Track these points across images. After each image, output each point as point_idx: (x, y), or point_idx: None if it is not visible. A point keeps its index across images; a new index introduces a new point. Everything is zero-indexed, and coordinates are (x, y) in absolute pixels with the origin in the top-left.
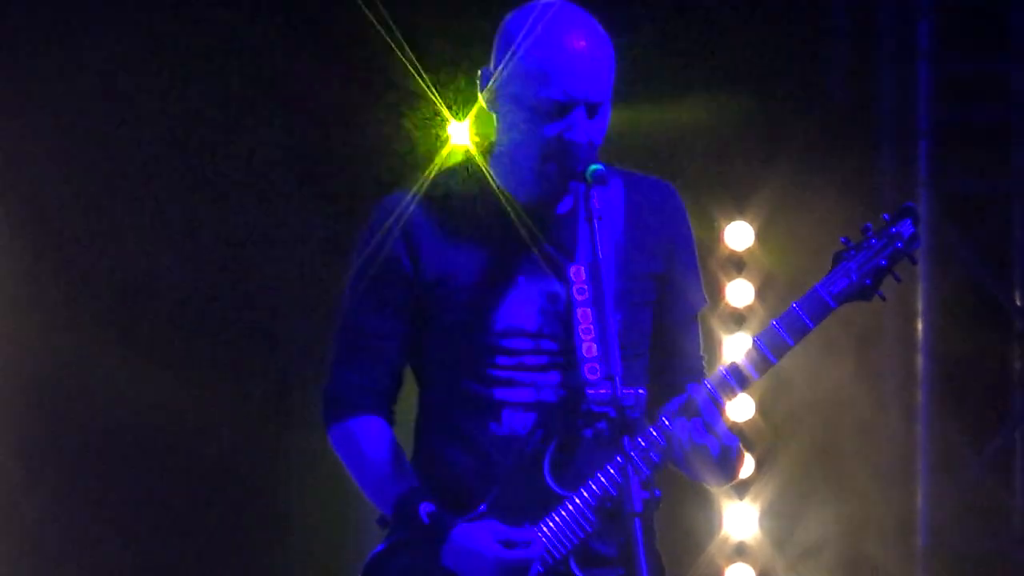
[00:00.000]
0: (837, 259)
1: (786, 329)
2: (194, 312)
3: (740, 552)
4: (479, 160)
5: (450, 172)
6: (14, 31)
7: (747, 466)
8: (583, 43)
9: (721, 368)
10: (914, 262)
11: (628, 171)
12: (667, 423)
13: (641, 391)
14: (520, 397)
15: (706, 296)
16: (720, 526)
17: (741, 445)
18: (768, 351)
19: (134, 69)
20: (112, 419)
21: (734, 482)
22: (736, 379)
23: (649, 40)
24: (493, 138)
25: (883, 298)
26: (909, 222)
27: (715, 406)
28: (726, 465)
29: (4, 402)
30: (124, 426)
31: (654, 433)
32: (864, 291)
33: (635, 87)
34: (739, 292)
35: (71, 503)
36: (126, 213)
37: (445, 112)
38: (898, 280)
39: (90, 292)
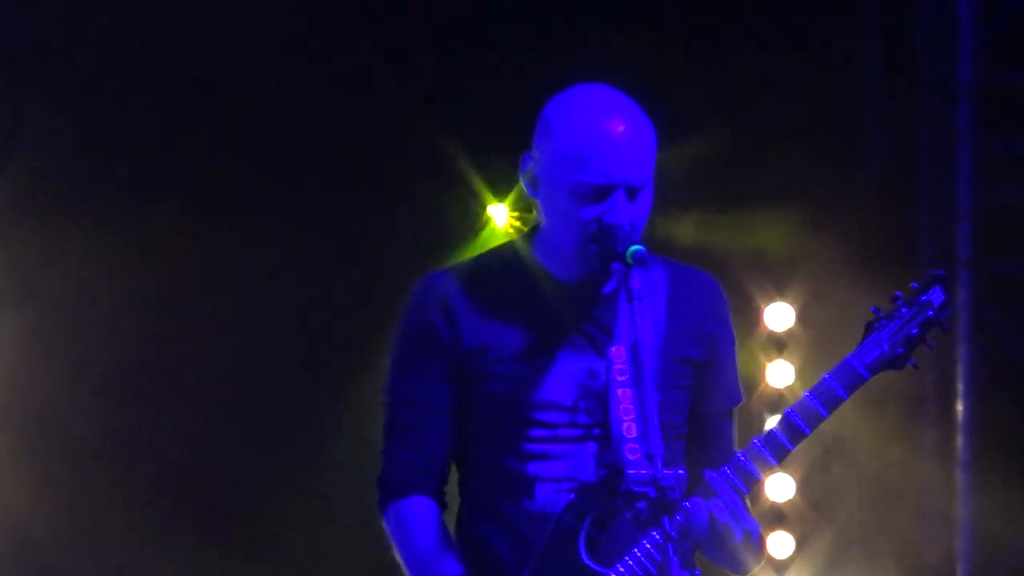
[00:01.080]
0: (868, 329)
1: (819, 400)
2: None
3: None
4: (521, 241)
5: (492, 252)
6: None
7: (787, 546)
8: (622, 127)
9: (755, 439)
10: (946, 329)
11: (673, 261)
12: (688, 505)
13: (681, 472)
14: (554, 472)
15: (742, 393)
16: None
17: (762, 532)
18: (802, 422)
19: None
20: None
21: (755, 569)
22: (770, 450)
23: (691, 126)
24: (535, 219)
25: (915, 366)
26: (939, 289)
27: (733, 488)
28: (749, 549)
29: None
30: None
31: (679, 517)
32: (896, 360)
33: (676, 170)
34: (780, 373)
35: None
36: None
37: (486, 194)
38: (930, 348)
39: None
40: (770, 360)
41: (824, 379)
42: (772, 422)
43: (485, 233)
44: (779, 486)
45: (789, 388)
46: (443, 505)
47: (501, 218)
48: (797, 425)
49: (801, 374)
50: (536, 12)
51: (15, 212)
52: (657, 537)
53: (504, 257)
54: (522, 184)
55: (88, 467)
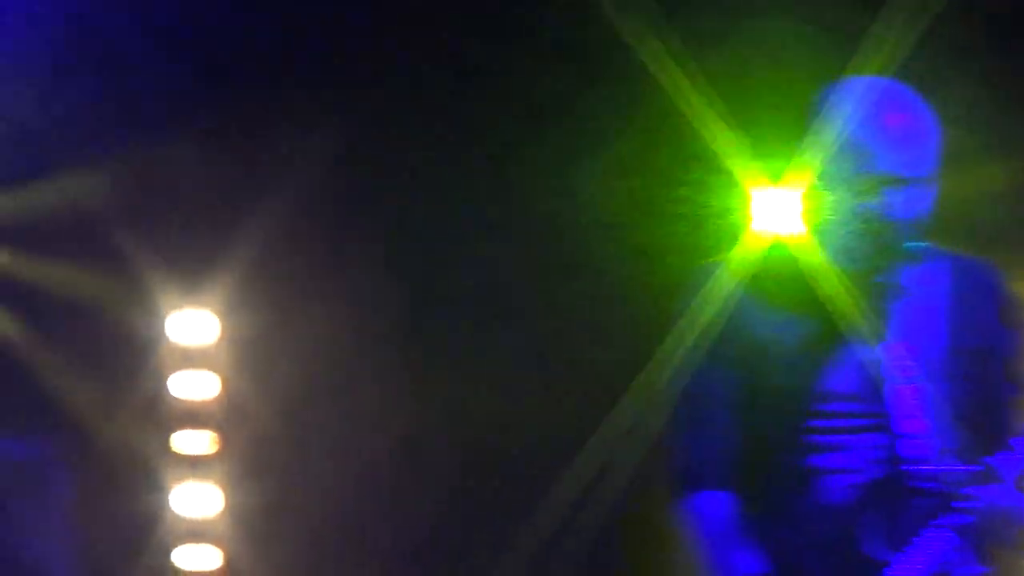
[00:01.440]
0: None
1: None
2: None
3: None
4: (799, 232)
5: (769, 244)
6: None
7: None
8: (902, 119)
9: None
10: None
11: (952, 251)
12: (974, 496)
13: (966, 464)
14: (837, 464)
15: None
16: None
17: None
18: None
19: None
20: None
21: None
22: None
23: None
24: (812, 212)
25: None
26: None
27: (1017, 475)
28: None
29: None
30: None
31: (966, 507)
32: None
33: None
34: None
35: None
36: None
37: (758, 185)
38: None
39: None
40: None
41: None
42: None
43: (757, 225)
44: None
45: None
46: (739, 498)
47: (775, 209)
48: None
49: None
50: None
51: (307, 213)
52: (945, 530)
53: (781, 248)
54: (798, 174)
55: (400, 455)
